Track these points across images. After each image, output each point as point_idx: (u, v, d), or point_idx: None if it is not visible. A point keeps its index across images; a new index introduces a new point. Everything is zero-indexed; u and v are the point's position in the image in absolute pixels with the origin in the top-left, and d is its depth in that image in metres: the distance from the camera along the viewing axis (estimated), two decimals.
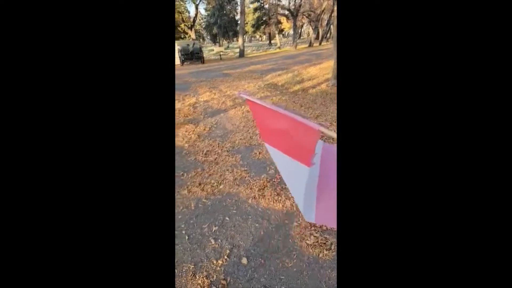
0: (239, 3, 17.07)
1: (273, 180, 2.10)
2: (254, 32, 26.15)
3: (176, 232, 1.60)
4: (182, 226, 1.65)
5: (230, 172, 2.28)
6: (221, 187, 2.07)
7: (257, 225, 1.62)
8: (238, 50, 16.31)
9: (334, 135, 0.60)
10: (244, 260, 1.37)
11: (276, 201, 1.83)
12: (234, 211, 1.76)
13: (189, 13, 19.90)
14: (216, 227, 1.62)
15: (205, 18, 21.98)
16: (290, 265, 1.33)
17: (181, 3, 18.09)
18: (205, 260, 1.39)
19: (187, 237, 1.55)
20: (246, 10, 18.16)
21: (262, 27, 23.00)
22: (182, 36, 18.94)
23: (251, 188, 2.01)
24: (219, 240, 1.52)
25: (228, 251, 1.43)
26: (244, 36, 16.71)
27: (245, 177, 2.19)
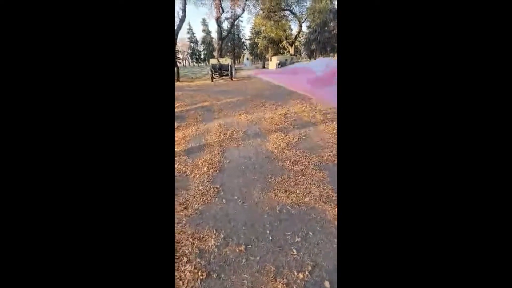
0: None
1: None
2: None
3: (260, 229, 1.70)
4: (267, 225, 1.74)
5: (317, 187, 2.21)
6: (306, 199, 2.03)
7: None
8: None
9: None
10: (327, 284, 1.27)
11: None
12: (319, 229, 1.68)
13: (291, 30, 21.33)
14: (299, 239, 1.60)
15: (306, 35, 22.89)
16: None
17: (286, 22, 19.63)
18: (286, 267, 1.39)
19: (270, 238, 1.62)
20: None
21: None
22: (281, 52, 20.47)
23: None
24: (301, 253, 1.49)
25: (310, 267, 1.38)
26: None
27: (333, 196, 2.06)
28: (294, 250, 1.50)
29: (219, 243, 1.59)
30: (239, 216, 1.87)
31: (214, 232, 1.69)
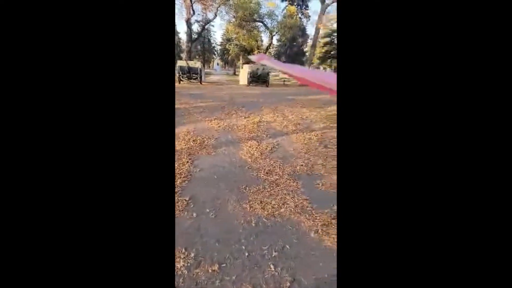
0: (310, 37, 17.99)
1: None
2: (320, 64, 26.74)
3: (236, 245, 1.60)
4: (243, 241, 1.64)
5: (291, 197, 2.21)
6: (281, 210, 2.01)
7: (321, 264, 1.47)
8: None
9: None
10: None
11: None
12: (295, 241, 1.66)
13: (262, 41, 22.03)
14: (276, 253, 1.54)
15: (276, 47, 23.92)
16: None
17: (258, 33, 20.25)
18: (264, 285, 1.31)
19: (246, 254, 1.52)
20: (317, 43, 18.88)
21: (329, 60, 23.38)
22: (252, 61, 20.92)
23: (313, 221, 1.88)
24: (279, 268, 1.43)
25: (288, 283, 1.32)
26: (310, 67, 17.20)
27: (307, 207, 2.08)
28: (272, 266, 1.44)
29: (189, 264, 1.42)
30: (212, 231, 1.73)
31: (184, 251, 1.52)
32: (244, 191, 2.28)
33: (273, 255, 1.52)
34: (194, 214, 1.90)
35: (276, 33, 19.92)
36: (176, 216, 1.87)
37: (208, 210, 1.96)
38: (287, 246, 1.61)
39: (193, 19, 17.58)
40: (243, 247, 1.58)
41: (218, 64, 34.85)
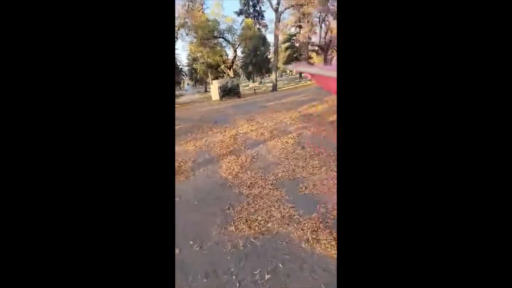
0: (272, 45, 18.68)
1: (326, 221, 1.88)
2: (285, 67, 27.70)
3: (225, 276, 1.47)
4: (232, 269, 1.51)
5: (277, 208, 2.13)
6: (269, 225, 1.92)
7: (315, 276, 1.40)
8: (270, 84, 17.27)
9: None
10: None
11: (334, 247, 1.60)
12: (287, 257, 1.57)
13: (227, 55, 22.39)
14: (269, 275, 1.44)
15: (241, 59, 24.43)
16: None
17: (222, 48, 20.60)
18: None
19: (237, 284, 1.40)
20: (278, 49, 19.63)
21: (293, 63, 24.39)
22: (221, 75, 21.10)
23: (302, 229, 1.82)
24: None
25: None
26: (276, 71, 17.73)
27: (294, 215, 2.02)
28: None
29: None
30: (198, 265, 1.58)
31: None
32: (228, 211, 2.17)
33: (266, 278, 1.42)
34: (177, 250, 1.75)
35: (239, 45, 20.42)
36: None
37: (191, 242, 1.82)
38: (280, 265, 1.51)
39: None
40: (233, 277, 1.46)
41: (188, 84, 34.70)
